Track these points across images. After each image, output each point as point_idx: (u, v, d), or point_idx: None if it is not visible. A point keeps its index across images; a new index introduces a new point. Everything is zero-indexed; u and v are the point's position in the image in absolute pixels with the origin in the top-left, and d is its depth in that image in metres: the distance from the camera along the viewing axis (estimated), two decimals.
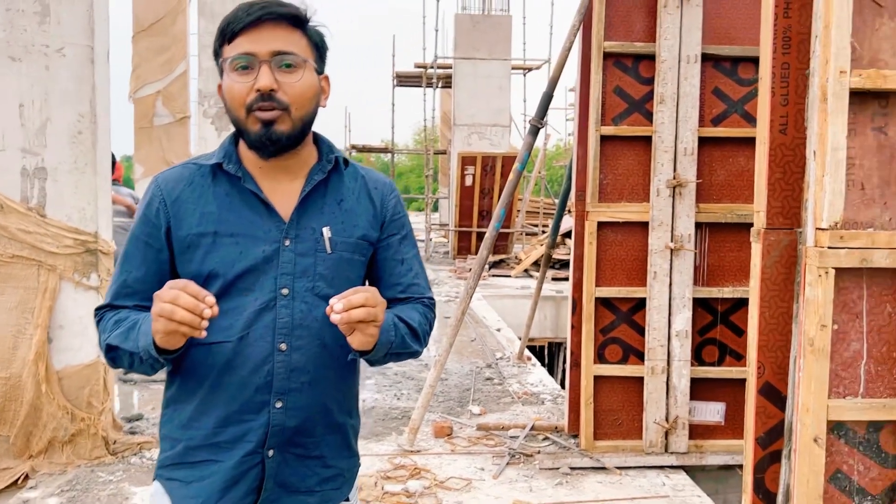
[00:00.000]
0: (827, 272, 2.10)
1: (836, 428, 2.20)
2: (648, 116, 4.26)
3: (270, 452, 1.50)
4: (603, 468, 4.16)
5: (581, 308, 4.39)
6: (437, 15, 15.29)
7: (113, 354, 1.46)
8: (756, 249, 2.49)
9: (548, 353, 10.33)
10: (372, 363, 1.55)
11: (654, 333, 4.26)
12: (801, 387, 2.17)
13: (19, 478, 3.80)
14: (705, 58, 4.20)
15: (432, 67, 16.06)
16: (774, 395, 2.49)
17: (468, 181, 13.43)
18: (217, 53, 1.49)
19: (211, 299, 1.31)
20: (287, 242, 1.48)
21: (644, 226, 4.26)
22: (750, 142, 4.29)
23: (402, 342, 1.55)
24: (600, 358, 4.34)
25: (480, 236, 14.18)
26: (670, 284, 4.25)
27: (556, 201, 16.99)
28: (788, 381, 2.47)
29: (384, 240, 1.62)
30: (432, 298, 1.71)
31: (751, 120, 4.30)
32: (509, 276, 12.55)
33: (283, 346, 1.48)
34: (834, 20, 2.05)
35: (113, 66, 4.20)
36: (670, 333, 4.26)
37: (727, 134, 4.27)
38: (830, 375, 2.17)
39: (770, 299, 2.46)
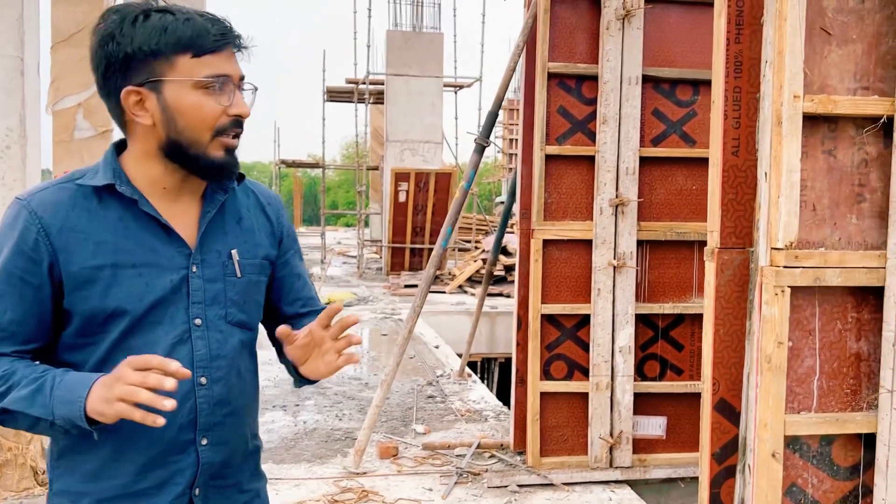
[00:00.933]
0: (783, 291, 2.16)
1: (791, 442, 2.26)
2: (591, 136, 4.33)
3: (197, 491, 1.44)
4: (550, 485, 4.18)
5: (527, 325, 4.42)
6: (369, 31, 15.30)
7: (5, 417, 1.29)
8: (710, 268, 2.54)
9: (482, 369, 10.36)
10: (311, 382, 1.53)
11: (599, 349, 4.31)
12: (758, 403, 2.22)
13: None
14: (645, 79, 4.30)
15: (364, 83, 16.02)
16: (729, 410, 2.54)
17: (402, 197, 13.42)
18: (150, 57, 1.31)
19: (184, 371, 1.22)
20: (194, 269, 1.40)
21: (588, 243, 4.32)
22: (688, 161, 4.42)
23: None
24: (546, 374, 4.37)
25: (414, 252, 14.17)
26: (613, 301, 4.31)
27: (487, 217, 17.13)
28: (742, 397, 2.53)
29: (282, 256, 1.58)
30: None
31: (689, 140, 4.43)
32: (444, 293, 12.55)
33: (204, 380, 1.41)
34: (787, 47, 2.12)
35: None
36: (614, 349, 4.33)
37: (667, 154, 4.38)
38: (786, 391, 2.23)
39: (724, 317, 2.52)
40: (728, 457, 2.55)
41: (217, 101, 1.34)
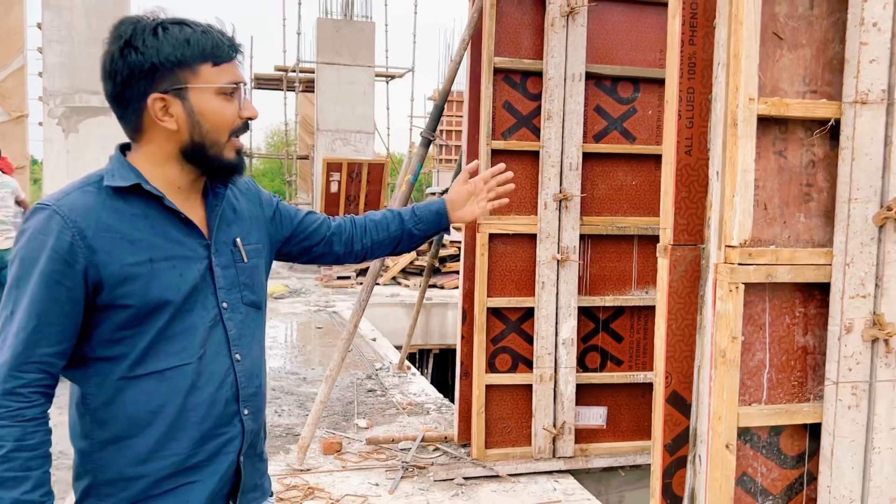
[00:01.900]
0: (737, 287, 2.23)
1: (742, 433, 2.34)
2: (535, 131, 4.37)
3: (243, 458, 1.57)
4: (496, 476, 4.22)
5: (472, 318, 4.44)
6: (300, 18, 15.02)
7: None
8: (663, 264, 2.60)
9: (417, 361, 10.37)
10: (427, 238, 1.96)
11: (543, 342, 4.37)
12: (713, 396, 2.29)
13: None
14: (588, 76, 4.36)
15: (294, 71, 15.75)
16: (681, 403, 2.61)
17: (333, 188, 13.27)
18: (175, 67, 1.42)
19: None
20: (214, 258, 1.53)
21: (532, 238, 4.37)
22: (628, 158, 4.52)
23: None
24: (491, 367, 4.40)
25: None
26: (557, 294, 4.37)
27: None
28: (693, 390, 2.60)
29: (291, 217, 1.79)
30: None
31: (629, 137, 4.52)
32: (378, 284, 12.48)
33: (238, 357, 1.55)
34: (743, 51, 2.18)
35: None
36: (557, 341, 4.39)
37: (608, 150, 4.46)
38: (738, 384, 2.30)
39: (676, 311, 2.58)
40: (679, 448, 2.63)
41: (233, 106, 1.48)
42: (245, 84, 1.51)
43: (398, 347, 8.35)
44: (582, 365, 4.52)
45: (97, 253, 1.38)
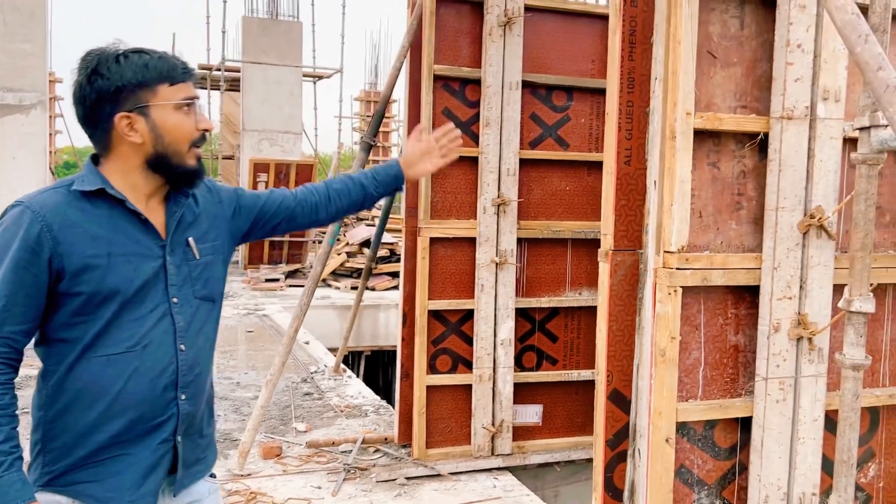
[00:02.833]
0: (675, 290, 2.38)
1: (680, 428, 2.49)
2: (474, 138, 4.47)
3: (179, 438, 1.73)
4: (437, 475, 4.31)
5: (412, 321, 4.51)
6: (225, 16, 14.77)
7: None
8: (604, 268, 2.74)
9: (349, 363, 10.36)
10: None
11: (482, 343, 4.48)
12: (653, 393, 2.43)
13: None
14: (524, 85, 4.49)
15: (218, 69, 15.47)
16: (621, 400, 2.75)
17: (261, 188, 13.09)
18: (136, 88, 1.62)
19: None
20: (168, 257, 1.71)
21: (471, 241, 4.47)
22: (563, 164, 4.67)
23: None
24: (432, 368, 4.48)
25: (274, 245, 13.90)
26: (496, 296, 4.49)
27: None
28: (632, 387, 2.74)
29: (250, 208, 1.93)
30: None
31: (563, 144, 4.67)
32: None
33: (183, 347, 1.71)
34: (681, 68, 2.32)
35: None
36: (496, 342, 4.51)
37: (543, 156, 4.60)
38: (677, 381, 2.45)
39: (617, 313, 2.72)
40: (620, 443, 2.76)
41: (191, 120, 1.67)
42: (198, 99, 1.70)
43: (331, 350, 8.34)
44: (519, 364, 4.65)
45: (61, 244, 1.57)
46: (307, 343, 8.07)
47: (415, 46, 4.46)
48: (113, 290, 1.60)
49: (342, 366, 6.71)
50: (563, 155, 4.65)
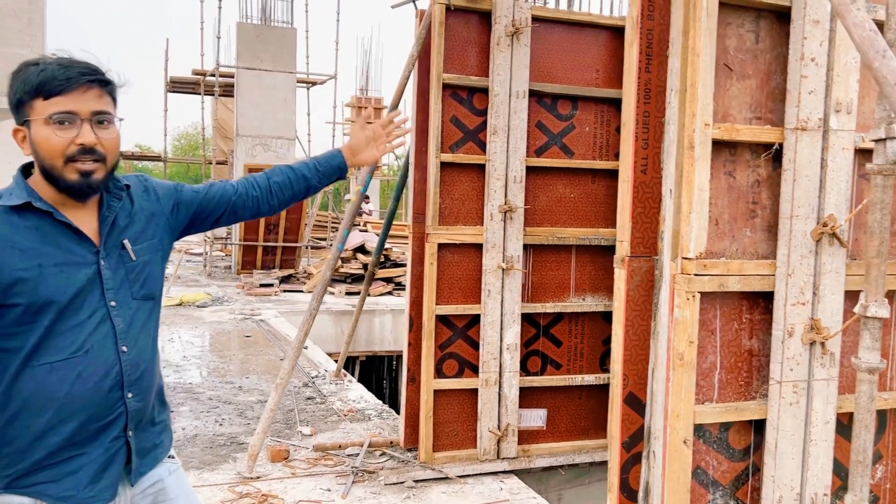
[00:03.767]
0: (694, 296, 2.45)
1: (697, 430, 2.56)
2: (481, 145, 4.54)
3: (130, 433, 1.78)
4: (445, 478, 4.36)
5: (419, 325, 4.56)
6: (220, 21, 14.79)
7: None
8: (620, 275, 2.81)
9: (346, 367, 10.38)
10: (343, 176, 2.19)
11: (488, 347, 4.54)
12: (671, 396, 2.50)
13: None
14: (530, 93, 4.56)
15: (213, 75, 15.47)
16: (636, 403, 2.82)
17: None
18: (20, 104, 1.64)
19: None
20: (103, 262, 1.73)
21: (478, 247, 4.53)
22: (567, 171, 4.75)
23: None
24: (438, 372, 4.54)
25: (267, 250, 13.91)
26: (502, 301, 4.55)
27: (340, 215, 17.08)
28: (647, 390, 2.81)
29: (189, 203, 1.95)
30: None
31: (568, 152, 4.74)
32: (301, 292, 12.45)
33: (125, 349, 1.74)
34: (700, 81, 2.40)
35: None
36: (502, 347, 4.57)
37: (549, 164, 4.67)
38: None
39: (633, 318, 2.79)
40: (635, 445, 2.83)
41: (65, 134, 1.63)
42: (91, 112, 1.65)
43: (329, 355, 8.37)
44: (524, 369, 4.71)
45: None
46: (306, 348, 8.10)
47: (423, 55, 4.52)
48: (47, 301, 1.63)
49: (343, 370, 6.75)
50: (568, 163, 4.73)
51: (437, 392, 4.53)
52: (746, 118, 2.55)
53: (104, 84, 1.69)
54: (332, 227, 16.01)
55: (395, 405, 11.02)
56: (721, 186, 2.53)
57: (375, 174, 21.69)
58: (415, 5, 4.65)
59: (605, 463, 4.84)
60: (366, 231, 13.96)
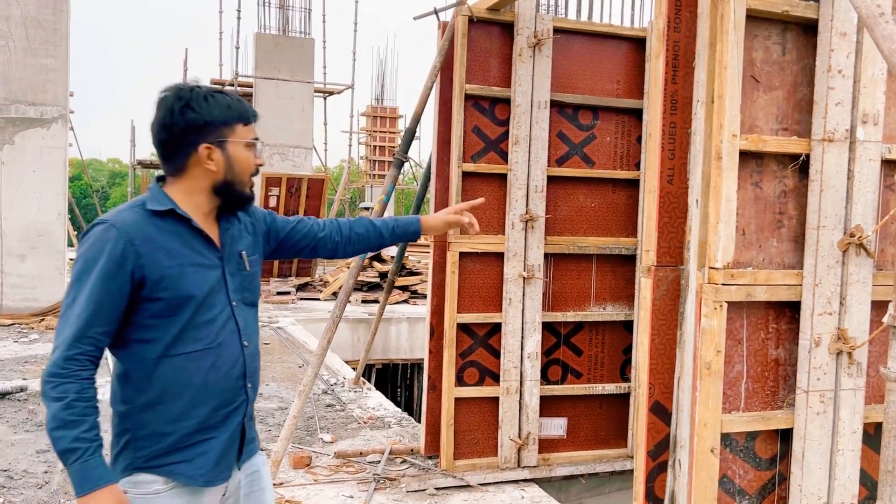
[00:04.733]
0: (721, 305, 2.47)
1: (723, 439, 2.57)
2: (502, 155, 4.58)
3: (246, 420, 2.00)
4: (466, 486, 4.38)
5: (440, 334, 4.59)
6: (238, 32, 14.94)
7: (55, 427, 1.71)
8: (646, 284, 2.82)
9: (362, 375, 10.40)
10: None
11: (509, 356, 4.56)
12: (698, 405, 2.51)
13: None
14: (551, 104, 4.60)
15: (231, 85, 15.62)
16: (662, 412, 2.83)
17: (272, 202, 13.21)
18: (220, 125, 1.87)
19: None
20: (226, 267, 1.95)
21: (499, 256, 4.56)
22: (588, 181, 4.77)
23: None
24: (459, 381, 4.56)
25: (284, 259, 13.96)
26: (523, 310, 4.58)
27: None
28: (673, 399, 2.83)
29: (279, 230, 2.19)
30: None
31: (589, 161, 4.77)
32: (318, 300, 12.51)
33: (246, 343, 1.97)
34: (728, 92, 2.42)
35: None
36: (523, 355, 4.59)
37: (570, 174, 4.70)
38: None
39: (659, 328, 2.80)
40: (661, 453, 2.84)
41: (254, 157, 1.96)
42: (258, 140, 1.97)
43: (346, 362, 8.41)
44: (545, 377, 4.72)
45: (142, 257, 1.79)
46: None
47: (445, 66, 4.57)
48: (187, 296, 1.84)
49: (361, 378, 6.78)
50: (589, 172, 4.75)
51: (457, 400, 4.56)
52: (773, 129, 2.57)
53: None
54: None
55: (410, 412, 11.04)
56: (748, 197, 2.55)
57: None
58: (437, 17, 4.69)
59: (625, 472, 4.84)
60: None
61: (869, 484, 2.70)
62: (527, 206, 4.55)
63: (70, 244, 16.75)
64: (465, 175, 4.49)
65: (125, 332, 1.84)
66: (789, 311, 2.62)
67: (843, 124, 2.50)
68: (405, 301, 12.03)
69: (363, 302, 11.78)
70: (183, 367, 1.84)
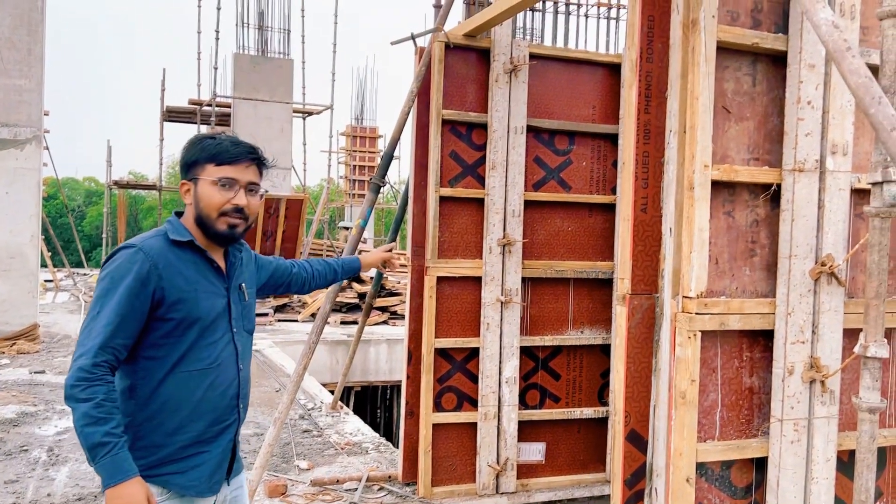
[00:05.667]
0: (695, 335, 2.47)
1: (699, 468, 2.57)
2: (479, 180, 4.59)
3: (236, 438, 2.19)
4: None
5: (418, 359, 4.57)
6: (217, 52, 14.91)
7: (78, 425, 1.84)
8: (622, 312, 2.83)
9: (341, 397, 10.32)
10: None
11: (487, 381, 4.54)
12: (673, 434, 2.51)
13: None
14: (528, 129, 4.62)
15: (209, 105, 15.56)
16: (638, 440, 2.83)
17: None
18: (193, 164, 2.08)
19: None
20: (231, 295, 2.15)
21: (477, 280, 4.56)
22: (565, 206, 4.79)
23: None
24: (437, 406, 4.53)
25: (263, 296, 13.86)
26: (501, 335, 4.57)
27: (334, 243, 17.09)
28: (649, 428, 2.82)
29: (265, 268, 2.49)
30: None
31: (565, 186, 4.79)
32: (296, 321, 12.42)
33: (241, 367, 2.16)
34: (699, 123, 2.44)
35: None
36: (501, 380, 4.57)
37: (547, 198, 4.72)
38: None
39: (634, 355, 2.81)
40: (637, 482, 2.83)
41: (224, 194, 2.06)
42: (247, 182, 2.08)
43: (324, 385, 8.34)
44: (523, 402, 4.71)
45: (163, 279, 1.99)
46: None
47: (422, 91, 4.58)
48: (197, 318, 2.03)
49: (339, 402, 6.72)
50: (566, 197, 4.77)
51: (435, 426, 4.53)
52: (744, 159, 2.59)
53: (260, 163, 2.14)
54: (327, 255, 16.02)
55: (389, 435, 10.96)
56: (720, 226, 2.57)
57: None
58: (414, 43, 4.71)
59: (603, 497, 4.83)
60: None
61: None
62: (504, 230, 4.55)
63: (44, 265, 16.49)
64: (443, 199, 4.49)
65: (135, 350, 2.00)
66: (763, 340, 2.63)
67: (814, 154, 2.53)
68: (384, 322, 11.98)
69: (342, 323, 11.72)
70: (185, 383, 2.02)
